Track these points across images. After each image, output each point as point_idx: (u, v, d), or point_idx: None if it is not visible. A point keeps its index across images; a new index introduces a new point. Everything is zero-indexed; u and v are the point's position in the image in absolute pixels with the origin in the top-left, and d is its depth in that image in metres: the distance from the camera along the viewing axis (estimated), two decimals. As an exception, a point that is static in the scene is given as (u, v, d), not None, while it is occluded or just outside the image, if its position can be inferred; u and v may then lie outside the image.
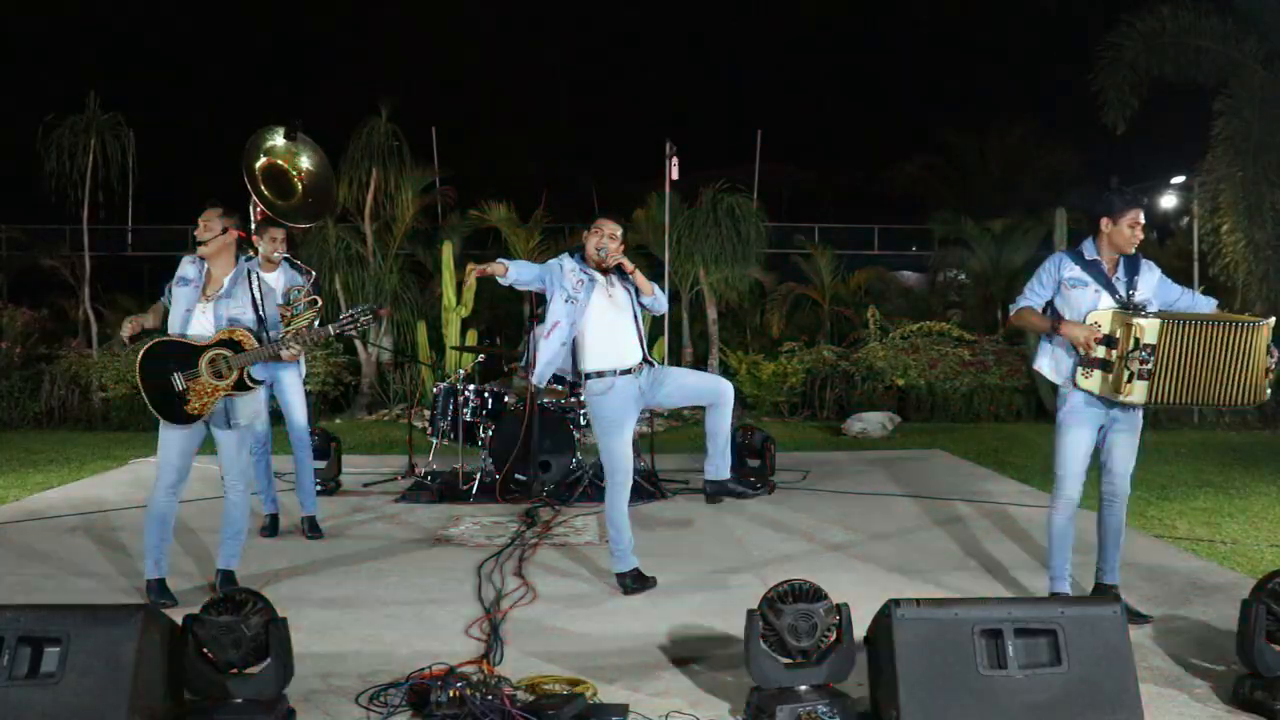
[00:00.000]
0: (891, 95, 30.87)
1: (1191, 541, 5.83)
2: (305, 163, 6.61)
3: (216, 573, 4.83)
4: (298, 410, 6.06)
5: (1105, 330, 4.20)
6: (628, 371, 4.88)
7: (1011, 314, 4.56)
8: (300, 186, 6.56)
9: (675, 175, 11.07)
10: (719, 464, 5.05)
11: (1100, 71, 11.30)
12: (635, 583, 4.88)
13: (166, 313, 4.66)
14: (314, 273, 6.17)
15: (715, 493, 5.15)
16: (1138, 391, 4.14)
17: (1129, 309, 4.20)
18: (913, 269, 20.80)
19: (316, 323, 6.00)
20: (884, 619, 3.23)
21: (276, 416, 6.09)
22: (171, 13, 29.05)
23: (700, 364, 14.02)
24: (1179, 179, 14.66)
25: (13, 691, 2.97)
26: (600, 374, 4.85)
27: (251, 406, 4.71)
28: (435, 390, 7.77)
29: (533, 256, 14.12)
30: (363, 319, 4.69)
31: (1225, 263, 11.13)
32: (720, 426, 5.01)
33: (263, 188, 6.25)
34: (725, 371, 13.68)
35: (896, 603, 3.22)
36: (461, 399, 7.40)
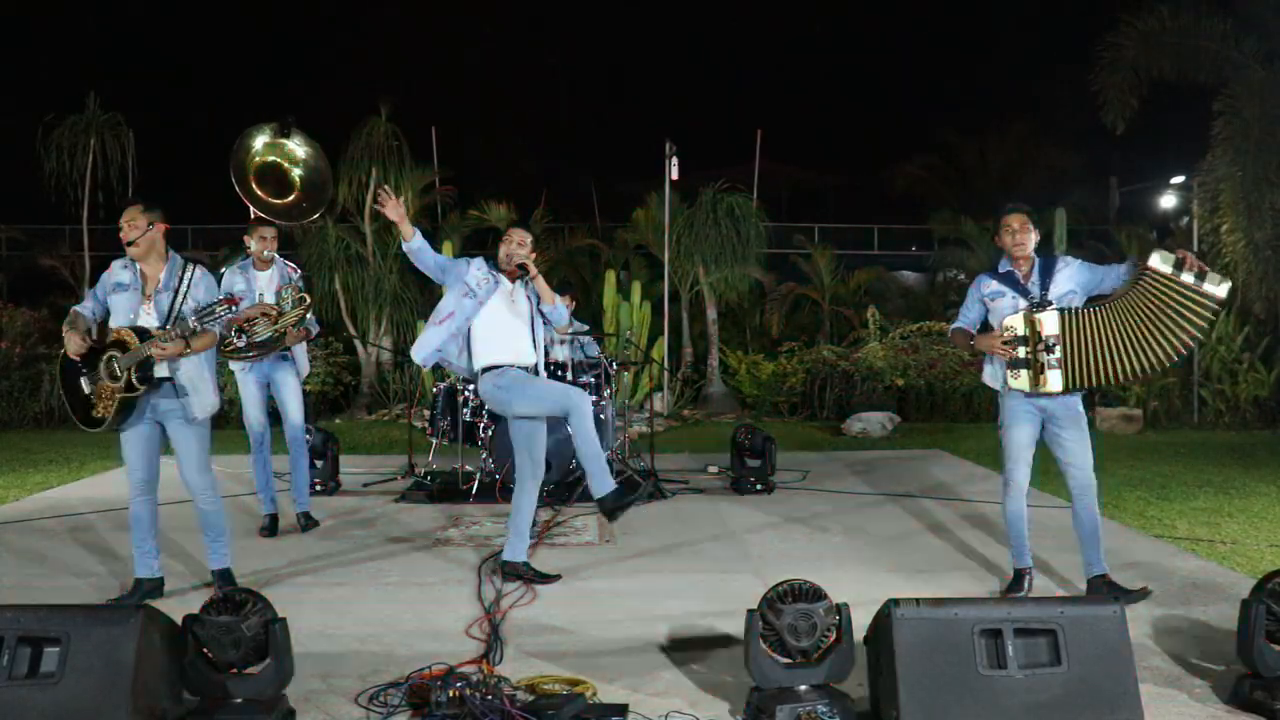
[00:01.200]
0: (891, 95, 30.89)
1: (1191, 541, 5.83)
2: (301, 157, 6.57)
3: (213, 574, 4.82)
4: (294, 409, 6.08)
5: (1020, 331, 4.48)
6: (524, 369, 5.03)
7: (949, 335, 4.96)
8: (298, 183, 6.51)
9: (675, 175, 11.08)
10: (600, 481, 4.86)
11: (1100, 71, 11.29)
12: (520, 571, 4.99)
13: (97, 321, 4.55)
14: (298, 270, 6.15)
15: (613, 509, 4.82)
16: (1053, 381, 4.43)
17: (1037, 307, 4.46)
18: (913, 269, 20.79)
19: (310, 317, 6.01)
20: (884, 619, 3.23)
21: (274, 416, 6.10)
22: (171, 13, 29.08)
23: (700, 363, 14.04)
24: (1179, 179, 14.65)
25: (12, 691, 2.97)
26: (497, 366, 4.97)
27: (207, 400, 4.61)
28: (435, 390, 7.77)
29: (532, 256, 14.12)
30: (220, 310, 4.41)
31: (1225, 262, 11.12)
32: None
33: (255, 188, 6.21)
34: (725, 371, 13.70)
35: (896, 602, 3.22)
36: (461, 399, 7.40)
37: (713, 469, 8.29)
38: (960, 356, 12.39)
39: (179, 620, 3.29)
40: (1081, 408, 4.61)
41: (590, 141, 26.95)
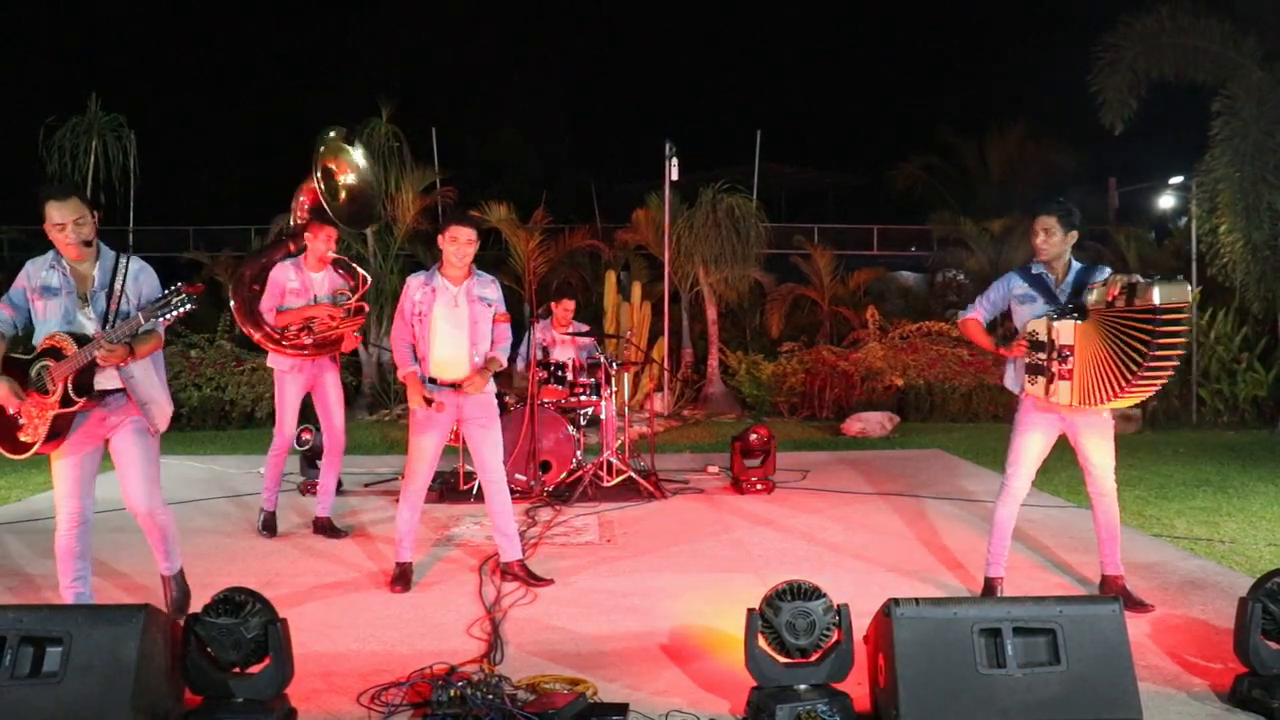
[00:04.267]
0: (891, 96, 30.90)
1: (1190, 540, 5.83)
2: (354, 167, 6.44)
3: (165, 579, 4.44)
4: (337, 413, 5.92)
5: (1041, 337, 4.33)
6: (455, 386, 4.85)
7: (959, 321, 4.75)
8: (344, 192, 6.38)
9: (675, 176, 11.05)
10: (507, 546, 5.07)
11: (1099, 72, 11.28)
12: (399, 582, 4.93)
13: (9, 334, 3.92)
14: (369, 278, 5.96)
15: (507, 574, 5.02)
16: (1062, 393, 4.27)
17: (1059, 315, 4.29)
18: (912, 269, 20.80)
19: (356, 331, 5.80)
20: (883, 618, 3.23)
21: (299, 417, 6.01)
22: (173, 14, 29.12)
23: (700, 364, 14.05)
24: (1177, 179, 14.64)
25: (15, 691, 2.98)
26: (432, 380, 4.86)
27: (167, 409, 4.15)
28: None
29: (533, 256, 14.14)
30: (175, 300, 3.74)
31: (1223, 263, 11.13)
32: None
33: (320, 183, 6.09)
34: (725, 371, 13.69)
35: (896, 602, 3.22)
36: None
37: (713, 469, 8.29)
38: (960, 356, 12.40)
39: (181, 620, 3.30)
40: (1107, 413, 4.47)
41: (591, 142, 26.98)
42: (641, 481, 7.28)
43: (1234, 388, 11.63)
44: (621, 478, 7.37)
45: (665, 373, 12.60)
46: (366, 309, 5.87)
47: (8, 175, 14.68)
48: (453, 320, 4.87)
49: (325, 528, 6.03)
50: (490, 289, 5.00)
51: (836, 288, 15.85)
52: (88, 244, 3.92)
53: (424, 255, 14.39)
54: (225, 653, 3.22)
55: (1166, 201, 18.94)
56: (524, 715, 3.11)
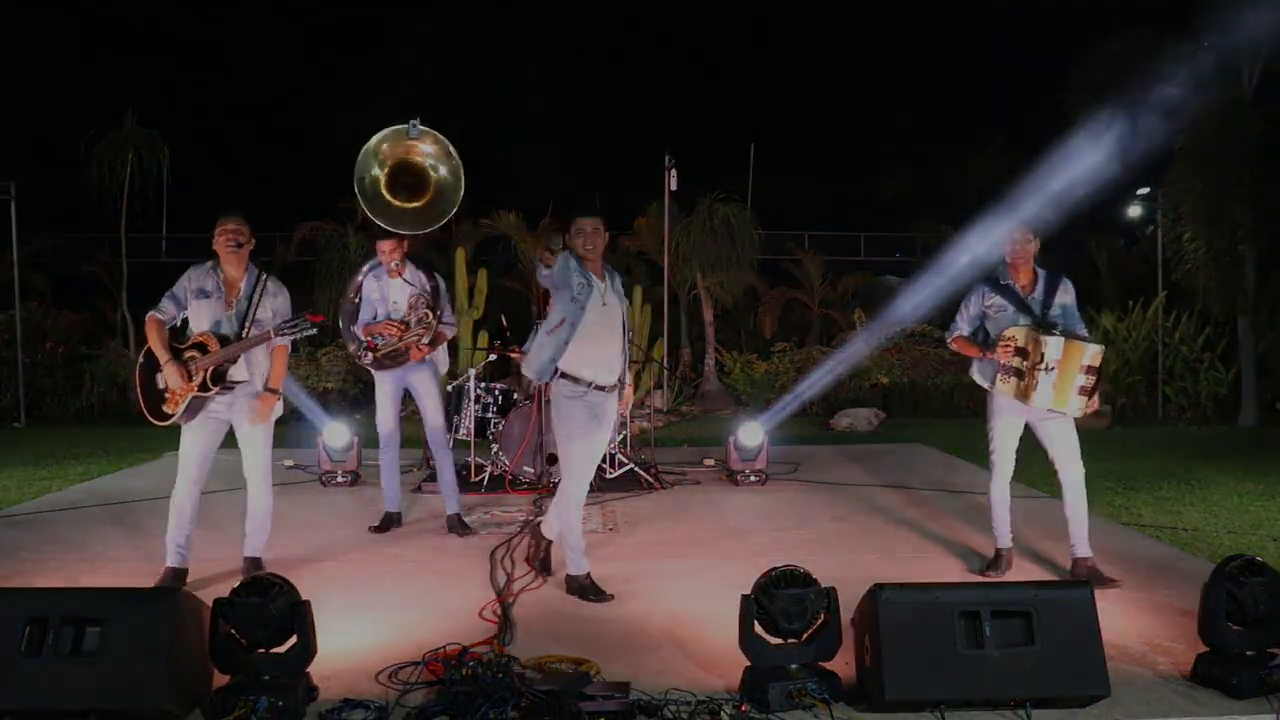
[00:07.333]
0: (879, 112, 30.95)
1: (1156, 529, 5.83)
2: (405, 151, 5.48)
3: (245, 559, 4.71)
4: (433, 411, 5.72)
5: (1020, 344, 4.46)
6: (602, 388, 4.45)
7: (949, 342, 4.87)
8: (432, 185, 5.47)
9: (674, 186, 11.04)
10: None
11: (1072, 90, 11.30)
12: (592, 593, 4.45)
13: (169, 324, 4.50)
14: (435, 279, 5.63)
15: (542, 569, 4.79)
16: (1042, 399, 4.41)
17: (1040, 326, 4.45)
18: (897, 274, 20.76)
19: (450, 319, 5.68)
20: (869, 602, 3.23)
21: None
22: (204, 37, 29.21)
23: (698, 363, 14.05)
24: (1144, 190, 14.64)
25: (57, 668, 2.98)
26: (576, 380, 4.39)
27: (277, 405, 4.65)
28: (449, 388, 7.77)
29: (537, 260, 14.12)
30: (301, 325, 4.42)
31: (1186, 268, 11.15)
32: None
33: (386, 193, 5.34)
34: (720, 370, 13.68)
35: (881, 586, 3.22)
36: (473, 395, 7.41)
37: (709, 461, 8.28)
38: (941, 355, 12.38)
39: (209, 603, 3.29)
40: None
41: (596, 154, 27.01)
42: (642, 473, 7.27)
43: (1197, 385, 11.63)
44: (624, 470, 7.37)
45: (665, 371, 12.60)
46: (432, 321, 5.49)
47: (53, 186, 14.70)
48: (602, 318, 4.43)
49: (455, 525, 5.73)
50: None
51: (826, 291, 15.87)
52: (239, 246, 4.47)
53: (437, 260, 14.38)
54: (253, 631, 3.20)
55: (1134, 211, 18.92)
56: (532, 693, 3.11)
